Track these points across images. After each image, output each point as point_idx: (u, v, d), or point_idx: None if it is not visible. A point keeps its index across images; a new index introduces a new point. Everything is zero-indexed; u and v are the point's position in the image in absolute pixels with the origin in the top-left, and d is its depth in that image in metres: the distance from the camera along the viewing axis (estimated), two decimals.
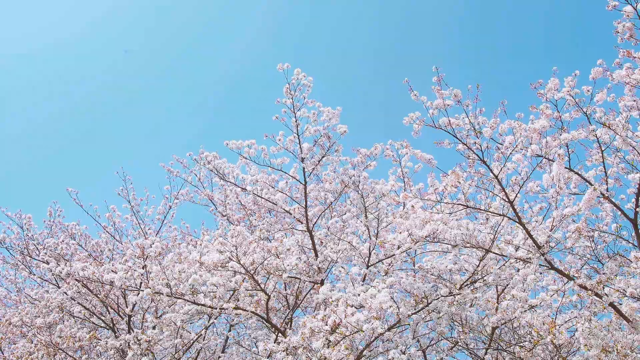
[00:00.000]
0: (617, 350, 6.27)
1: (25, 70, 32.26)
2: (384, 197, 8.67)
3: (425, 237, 6.80)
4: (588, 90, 6.58)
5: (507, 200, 6.98)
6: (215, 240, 8.02)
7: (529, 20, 30.26)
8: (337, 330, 6.62)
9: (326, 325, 6.51)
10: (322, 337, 6.51)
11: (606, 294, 6.25)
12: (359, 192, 8.73)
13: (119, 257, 11.12)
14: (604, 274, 6.61)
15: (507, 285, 7.51)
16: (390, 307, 6.44)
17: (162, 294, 7.60)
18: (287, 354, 6.79)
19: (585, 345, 6.27)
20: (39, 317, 9.77)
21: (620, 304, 6.57)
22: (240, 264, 7.83)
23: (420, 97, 7.02)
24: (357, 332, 6.53)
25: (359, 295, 6.81)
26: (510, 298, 7.35)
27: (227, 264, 7.81)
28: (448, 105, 6.87)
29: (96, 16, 32.39)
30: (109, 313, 10.06)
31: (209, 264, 7.78)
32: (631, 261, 7.02)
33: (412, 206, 6.93)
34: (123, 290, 9.61)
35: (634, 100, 6.42)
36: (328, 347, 6.45)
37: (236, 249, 7.78)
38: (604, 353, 6.20)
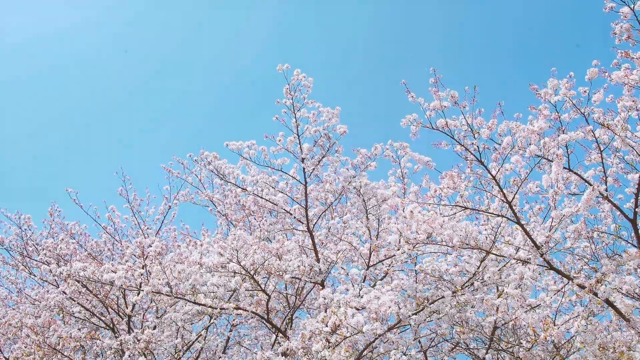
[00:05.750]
0: (614, 348, 6.28)
1: (25, 70, 32.35)
2: (386, 201, 8.69)
3: (422, 239, 6.82)
4: (585, 91, 6.59)
5: (505, 200, 6.99)
6: (216, 243, 8.06)
7: (528, 21, 30.24)
8: (337, 332, 6.64)
9: (326, 326, 6.52)
10: (322, 338, 6.53)
11: (603, 291, 6.25)
12: (361, 196, 8.75)
13: (119, 257, 11.14)
14: (600, 272, 6.62)
15: (506, 285, 7.52)
16: (389, 308, 6.44)
17: (162, 293, 7.63)
18: (286, 357, 6.82)
19: (582, 342, 6.27)
20: (38, 317, 9.80)
21: (616, 301, 6.57)
22: (240, 265, 7.86)
23: (417, 98, 7.03)
24: (357, 333, 6.54)
25: (361, 297, 6.83)
26: (507, 297, 7.36)
27: (227, 265, 7.84)
28: (445, 106, 6.87)
29: (96, 14, 32.48)
30: (109, 313, 10.08)
31: (209, 265, 7.80)
32: (625, 259, 7.02)
33: (411, 211, 6.93)
34: (123, 291, 9.64)
35: (633, 101, 6.43)
36: (328, 348, 6.47)
37: (237, 252, 7.82)
38: (600, 351, 6.21)
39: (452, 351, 10.03)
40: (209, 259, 7.88)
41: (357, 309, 6.74)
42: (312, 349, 6.44)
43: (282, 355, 7.33)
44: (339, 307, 6.66)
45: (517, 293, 7.10)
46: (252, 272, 8.01)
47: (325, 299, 7.27)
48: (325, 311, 7.23)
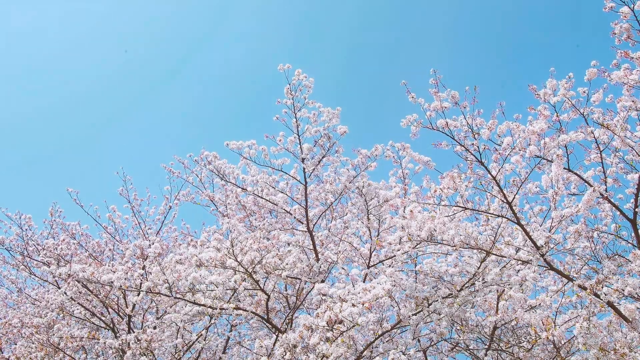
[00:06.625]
0: (615, 349, 6.28)
1: (25, 70, 32.37)
2: (387, 202, 8.69)
3: (424, 238, 6.82)
4: (584, 92, 6.60)
5: (505, 201, 6.99)
6: (213, 236, 8.03)
7: (527, 21, 30.24)
8: (334, 327, 6.63)
9: (322, 321, 6.51)
10: (319, 333, 6.52)
11: (604, 294, 6.25)
12: (363, 196, 8.74)
13: (119, 257, 11.14)
14: (602, 274, 6.61)
15: (508, 286, 7.52)
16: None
17: (161, 293, 7.62)
18: (286, 351, 6.80)
19: (584, 344, 6.27)
20: (38, 317, 9.81)
21: (619, 304, 6.57)
22: (237, 261, 7.84)
23: (418, 99, 7.04)
24: (353, 326, 6.54)
25: (359, 294, 6.82)
26: (508, 298, 7.35)
27: (225, 262, 7.83)
28: (445, 107, 6.88)
29: (97, 15, 32.49)
30: (109, 313, 10.09)
31: (206, 258, 7.77)
32: (630, 261, 7.01)
33: (411, 211, 6.93)
34: (123, 291, 9.65)
35: (632, 101, 6.44)
36: (326, 343, 6.46)
37: (232, 246, 7.79)
38: (602, 352, 6.20)
39: (452, 351, 10.03)
40: (206, 254, 7.85)
41: (354, 305, 6.74)
42: (310, 343, 6.42)
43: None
44: (335, 302, 6.64)
45: (520, 296, 7.10)
46: (250, 270, 8.01)
47: (321, 293, 7.20)
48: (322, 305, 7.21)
